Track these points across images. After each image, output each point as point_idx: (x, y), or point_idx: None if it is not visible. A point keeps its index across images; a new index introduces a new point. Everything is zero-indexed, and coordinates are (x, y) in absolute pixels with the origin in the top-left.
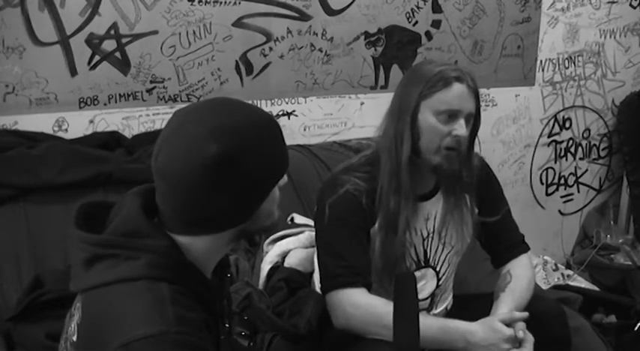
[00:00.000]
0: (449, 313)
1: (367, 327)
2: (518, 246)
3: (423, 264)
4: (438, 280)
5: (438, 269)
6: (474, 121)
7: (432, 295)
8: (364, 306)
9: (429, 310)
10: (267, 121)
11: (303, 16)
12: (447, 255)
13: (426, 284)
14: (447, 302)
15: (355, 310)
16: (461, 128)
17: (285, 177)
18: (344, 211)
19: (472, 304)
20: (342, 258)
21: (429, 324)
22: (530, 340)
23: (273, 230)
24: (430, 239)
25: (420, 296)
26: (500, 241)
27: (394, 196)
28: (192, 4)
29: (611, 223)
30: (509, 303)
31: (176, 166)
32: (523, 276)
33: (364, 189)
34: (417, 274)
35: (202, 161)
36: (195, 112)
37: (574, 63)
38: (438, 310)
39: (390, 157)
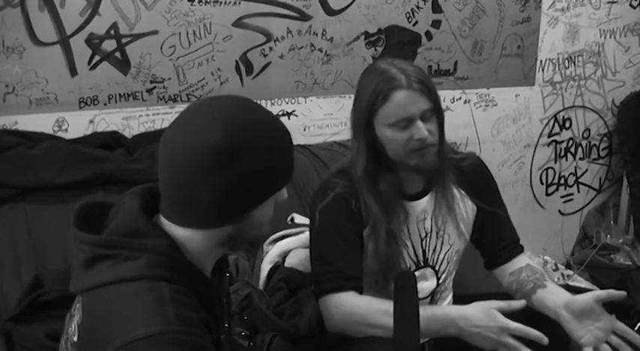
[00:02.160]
0: None
1: (356, 328)
2: (517, 245)
3: (422, 264)
4: (438, 279)
5: (437, 268)
6: (436, 112)
7: (432, 294)
8: (349, 308)
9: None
10: (280, 130)
11: (303, 16)
12: (445, 253)
13: (425, 284)
14: (447, 301)
15: (341, 314)
16: (419, 130)
17: (285, 193)
18: (333, 216)
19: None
20: (330, 263)
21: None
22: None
23: (259, 243)
24: (428, 239)
25: (420, 295)
26: (500, 239)
27: (375, 201)
28: (192, 4)
29: (611, 223)
30: (562, 290)
31: (180, 145)
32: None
33: (354, 191)
34: (417, 274)
35: (204, 146)
36: (216, 100)
37: (574, 63)
38: None
39: (354, 170)
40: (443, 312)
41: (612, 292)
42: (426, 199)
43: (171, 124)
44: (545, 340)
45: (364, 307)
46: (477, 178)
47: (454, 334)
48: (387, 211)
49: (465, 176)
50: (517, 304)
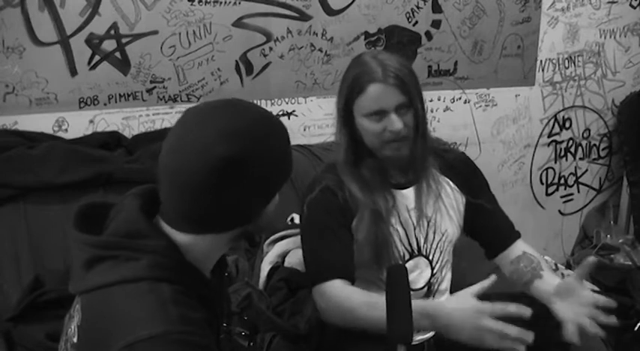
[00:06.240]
0: None
1: (343, 318)
2: (512, 231)
3: (416, 253)
4: (432, 268)
5: (430, 258)
6: (412, 106)
7: (429, 284)
8: (334, 299)
9: (425, 299)
10: (277, 125)
11: (303, 16)
12: (438, 243)
13: (421, 273)
14: (444, 296)
15: (327, 305)
16: (393, 123)
17: None
18: (320, 210)
19: None
20: (318, 255)
21: None
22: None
23: (269, 230)
24: (420, 227)
25: (416, 286)
26: (493, 226)
27: (358, 186)
28: (192, 4)
29: (611, 223)
30: (556, 278)
31: (185, 165)
32: (538, 255)
33: (341, 183)
34: (411, 263)
35: (211, 162)
36: (207, 113)
37: (574, 63)
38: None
39: (338, 159)
40: (419, 305)
41: (583, 263)
42: (412, 188)
43: (170, 140)
44: (527, 313)
45: (347, 299)
46: (462, 168)
47: (429, 328)
48: (371, 195)
49: (450, 167)
50: (487, 281)
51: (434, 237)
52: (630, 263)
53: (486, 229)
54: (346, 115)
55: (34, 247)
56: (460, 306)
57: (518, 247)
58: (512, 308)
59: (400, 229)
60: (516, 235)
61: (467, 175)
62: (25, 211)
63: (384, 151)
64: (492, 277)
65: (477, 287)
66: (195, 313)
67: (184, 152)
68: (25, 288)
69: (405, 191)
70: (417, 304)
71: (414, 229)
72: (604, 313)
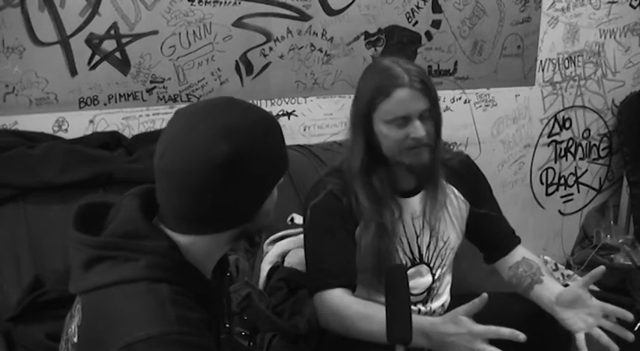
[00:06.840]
0: (447, 312)
1: (341, 327)
2: (513, 237)
3: (417, 260)
4: (433, 275)
5: (431, 265)
6: (434, 112)
7: (429, 290)
8: (334, 308)
9: (424, 303)
10: (271, 120)
11: (303, 16)
12: (440, 250)
13: (421, 280)
14: (443, 298)
15: (327, 313)
16: (416, 130)
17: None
18: (324, 214)
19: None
20: (320, 261)
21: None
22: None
23: (269, 229)
24: (422, 235)
25: (416, 292)
26: (495, 232)
27: (367, 196)
28: (192, 4)
29: (611, 223)
30: (557, 284)
31: (185, 165)
32: (539, 260)
33: (345, 189)
34: (412, 270)
35: (213, 161)
36: (203, 112)
37: (574, 63)
38: (435, 304)
39: (348, 166)
40: (417, 322)
41: (593, 272)
42: (419, 196)
43: (166, 141)
44: (521, 336)
45: (344, 309)
46: (467, 175)
47: (425, 346)
48: (379, 206)
49: (455, 174)
50: (478, 300)
51: (436, 245)
52: (630, 263)
53: (487, 235)
54: (364, 122)
55: (34, 247)
56: (456, 329)
57: (519, 253)
58: (506, 332)
59: (404, 238)
60: (517, 241)
61: (471, 181)
62: (25, 211)
63: (402, 158)
64: (484, 296)
65: (467, 307)
66: (194, 313)
67: (183, 152)
68: (25, 288)
69: (411, 199)
70: (415, 321)
71: (417, 237)
72: (620, 325)
